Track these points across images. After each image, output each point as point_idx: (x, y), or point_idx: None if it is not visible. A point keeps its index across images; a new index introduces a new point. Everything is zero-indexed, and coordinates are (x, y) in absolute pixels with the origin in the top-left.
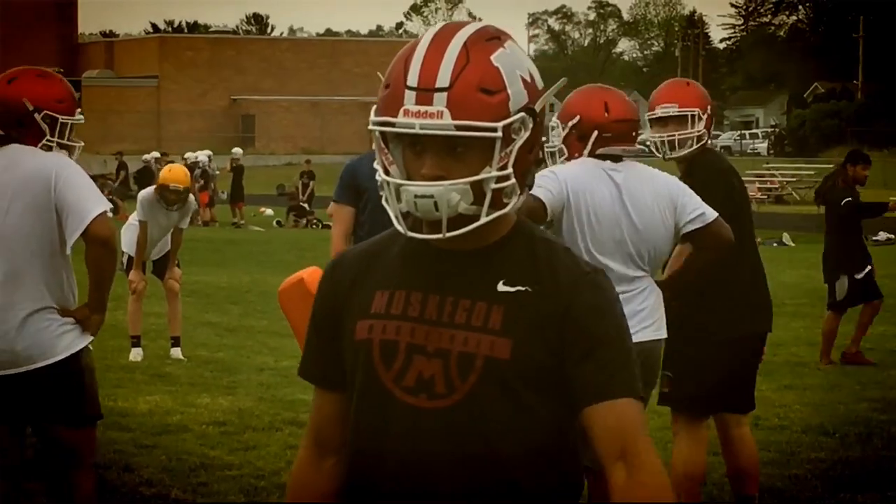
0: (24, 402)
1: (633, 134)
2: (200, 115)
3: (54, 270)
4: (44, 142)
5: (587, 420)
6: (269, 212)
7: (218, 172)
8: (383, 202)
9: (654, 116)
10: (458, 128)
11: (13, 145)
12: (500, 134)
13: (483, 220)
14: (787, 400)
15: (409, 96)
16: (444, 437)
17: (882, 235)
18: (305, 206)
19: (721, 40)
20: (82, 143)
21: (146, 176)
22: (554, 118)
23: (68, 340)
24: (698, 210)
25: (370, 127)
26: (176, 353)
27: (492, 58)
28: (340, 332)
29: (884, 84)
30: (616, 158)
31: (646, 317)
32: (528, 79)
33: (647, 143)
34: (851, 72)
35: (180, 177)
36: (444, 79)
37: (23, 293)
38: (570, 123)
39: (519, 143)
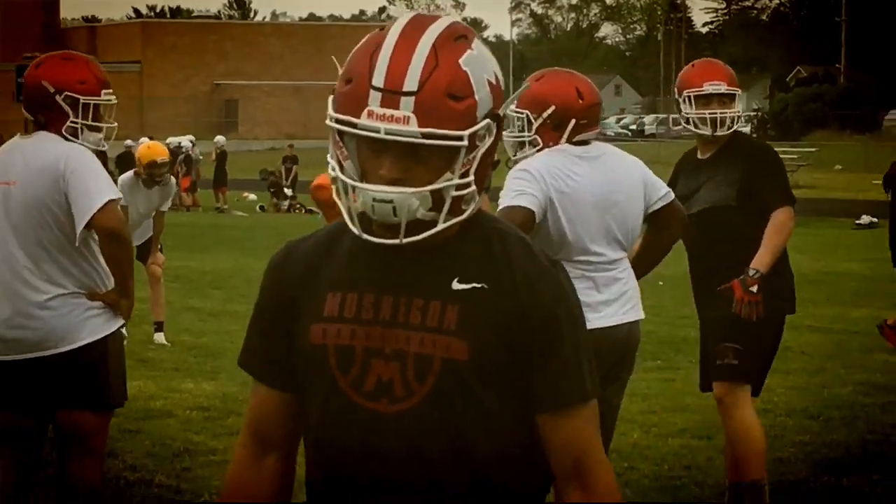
0: (46, 386)
1: (599, 115)
2: (183, 101)
3: (74, 259)
4: (68, 123)
5: (541, 430)
6: (253, 197)
7: (202, 157)
8: (334, 197)
9: (702, 93)
10: (425, 135)
11: (39, 133)
12: (466, 143)
13: (440, 226)
14: (772, 384)
15: (375, 97)
16: (407, 441)
17: (865, 219)
18: (289, 190)
19: (704, 24)
20: (115, 125)
21: (127, 160)
22: (512, 107)
23: (93, 326)
24: (664, 188)
25: (328, 122)
26: (159, 338)
27: (460, 61)
28: (290, 329)
29: (866, 67)
30: (584, 142)
31: (630, 297)
32: (494, 82)
33: (685, 118)
34: (834, 55)
35: (161, 150)
36: (411, 82)
37: (44, 280)
38: (544, 114)
39: (482, 149)
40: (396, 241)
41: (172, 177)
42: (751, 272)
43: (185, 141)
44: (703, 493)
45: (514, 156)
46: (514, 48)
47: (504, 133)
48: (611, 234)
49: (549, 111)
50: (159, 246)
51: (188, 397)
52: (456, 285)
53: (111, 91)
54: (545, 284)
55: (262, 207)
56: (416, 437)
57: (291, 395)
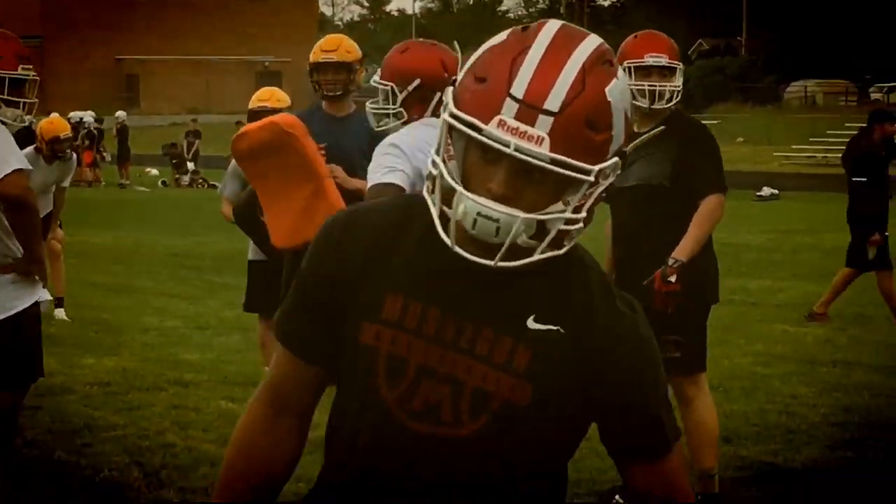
0: None
1: None
2: (85, 76)
3: None
4: None
5: (629, 473)
6: (155, 172)
7: (104, 132)
8: (425, 193)
9: (642, 64)
10: (554, 161)
11: None
12: (592, 179)
13: (537, 256)
14: None
15: (510, 107)
16: (446, 465)
17: (766, 191)
18: (191, 165)
19: None
20: (35, 100)
21: (27, 136)
22: (375, 77)
23: (6, 299)
24: None
25: (445, 116)
26: (59, 313)
27: (607, 90)
28: (339, 313)
29: (767, 40)
30: None
31: None
32: (629, 116)
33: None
34: (735, 28)
35: (63, 125)
36: (554, 101)
37: None
38: (409, 87)
39: (602, 187)
40: (490, 263)
41: (73, 152)
42: (671, 262)
43: (87, 116)
44: None
45: (377, 127)
46: (416, 22)
47: (367, 104)
48: None
49: (415, 84)
50: (58, 222)
51: (88, 373)
52: (532, 324)
53: (30, 66)
54: (626, 346)
55: (164, 182)
56: (455, 467)
57: (321, 370)
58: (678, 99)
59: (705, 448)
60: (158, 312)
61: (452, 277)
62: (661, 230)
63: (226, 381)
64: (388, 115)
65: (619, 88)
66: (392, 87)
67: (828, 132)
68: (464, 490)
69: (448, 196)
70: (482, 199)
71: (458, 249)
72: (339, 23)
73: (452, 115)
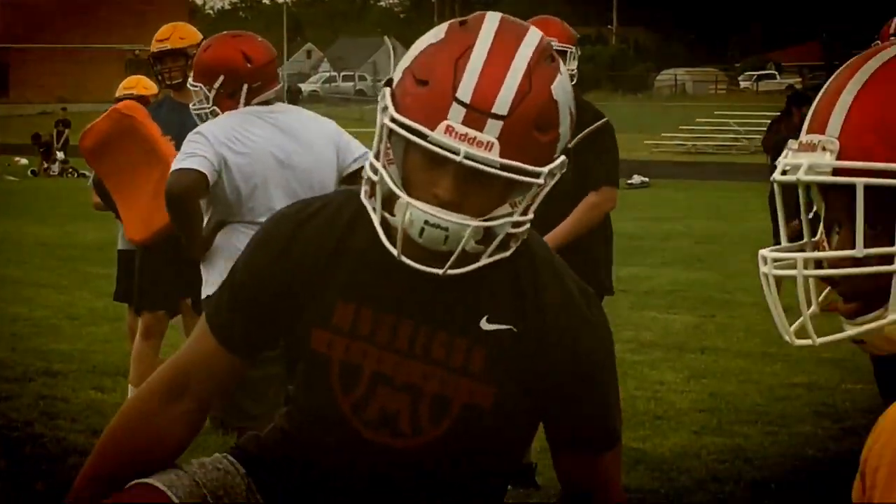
0: None
1: (274, 74)
2: None
3: None
4: None
5: (562, 461)
6: (24, 161)
7: None
8: (364, 199)
9: None
10: (504, 167)
11: None
12: (542, 181)
13: (483, 261)
14: None
15: (457, 112)
16: (406, 474)
17: (636, 178)
18: (61, 154)
19: None
20: None
21: None
22: (190, 80)
23: None
24: (361, 149)
25: (387, 123)
26: None
27: (552, 88)
28: (283, 311)
29: (637, 29)
30: (270, 102)
31: None
32: (574, 112)
33: None
34: (606, 17)
35: None
36: (503, 104)
37: None
38: (215, 84)
39: (549, 187)
40: (437, 272)
41: None
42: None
43: None
44: None
45: None
46: (287, 11)
47: (191, 105)
48: (293, 194)
49: (220, 80)
50: None
51: None
52: (485, 325)
53: None
54: (583, 339)
55: (33, 172)
56: (419, 473)
57: (239, 362)
58: (574, 82)
59: None
60: (27, 302)
61: (403, 282)
62: (559, 220)
63: (95, 371)
64: (207, 116)
65: (563, 85)
66: (201, 88)
67: (697, 120)
68: (419, 493)
69: (389, 202)
70: (429, 208)
71: (404, 259)
72: (211, 11)
73: (394, 121)
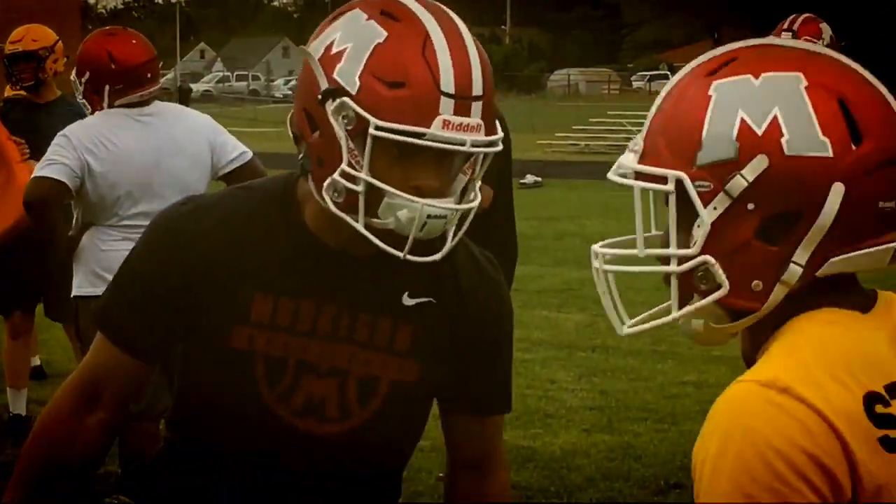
0: None
1: (149, 75)
2: None
3: None
4: None
5: (451, 424)
6: None
7: None
8: (335, 210)
9: None
10: (491, 144)
11: None
12: (501, 147)
13: (450, 243)
14: None
15: (447, 105)
16: (335, 460)
17: (529, 178)
18: None
19: None
20: None
21: None
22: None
23: None
24: (239, 149)
25: (375, 132)
26: None
27: (486, 57)
28: (176, 316)
29: (530, 29)
30: (144, 103)
31: None
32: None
33: None
34: (500, 17)
35: None
36: (479, 86)
37: None
38: (82, 79)
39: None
40: (436, 257)
41: None
42: None
43: None
44: None
45: None
46: (181, 10)
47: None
48: (163, 197)
49: (86, 76)
50: None
51: None
52: (407, 300)
53: None
54: (492, 301)
55: None
56: (344, 460)
57: (145, 365)
58: None
59: None
60: None
61: (320, 268)
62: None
63: None
64: (85, 107)
65: (483, 52)
66: (74, 81)
67: (590, 120)
68: (344, 477)
69: (369, 206)
70: (434, 201)
71: (412, 258)
72: (104, 11)
73: (381, 128)
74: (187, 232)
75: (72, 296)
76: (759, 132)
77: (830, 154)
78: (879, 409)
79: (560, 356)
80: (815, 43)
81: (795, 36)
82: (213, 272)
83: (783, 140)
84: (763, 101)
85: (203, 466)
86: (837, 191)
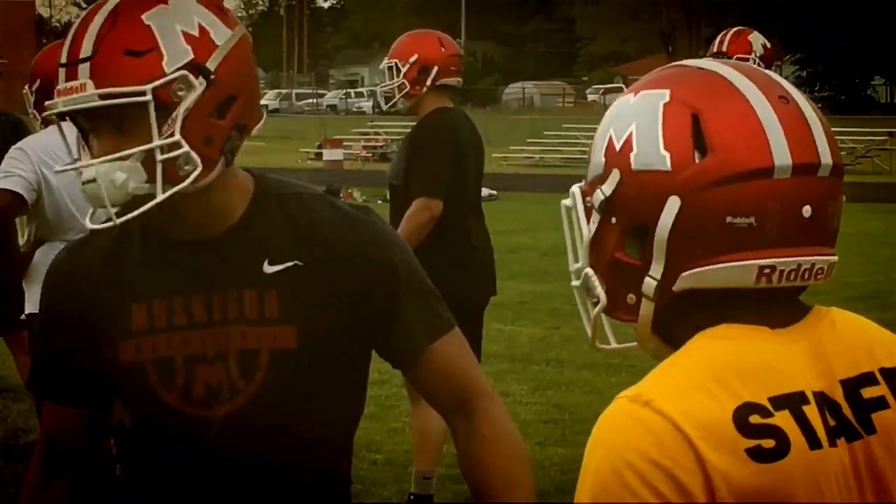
0: None
1: None
2: None
3: None
4: None
5: (413, 379)
6: None
7: None
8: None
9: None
10: (102, 97)
11: None
12: (149, 97)
13: (159, 197)
14: None
15: (61, 74)
16: (235, 445)
17: (484, 192)
18: None
19: None
20: None
21: None
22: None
23: None
24: None
25: (45, 114)
26: None
27: (143, 16)
28: (83, 347)
29: (485, 43)
30: None
31: None
32: (196, 34)
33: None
34: (454, 30)
35: None
36: (87, 48)
37: None
38: (33, 88)
39: (185, 104)
40: (111, 224)
41: None
42: None
43: None
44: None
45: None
46: None
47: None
48: None
49: (36, 85)
50: None
51: None
52: (268, 268)
53: None
54: (366, 237)
55: None
56: (245, 441)
57: (89, 409)
58: (403, 93)
59: (428, 449)
60: None
61: (180, 261)
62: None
63: None
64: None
65: (164, 11)
66: (27, 92)
67: (545, 133)
68: (256, 468)
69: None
70: (72, 166)
71: (89, 224)
72: (58, 24)
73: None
74: (66, 266)
75: (25, 314)
76: (618, 148)
77: (668, 168)
78: (755, 419)
79: (514, 369)
80: (745, 60)
81: (726, 55)
82: (98, 294)
83: (632, 155)
84: (627, 119)
85: (145, 485)
86: (672, 204)
